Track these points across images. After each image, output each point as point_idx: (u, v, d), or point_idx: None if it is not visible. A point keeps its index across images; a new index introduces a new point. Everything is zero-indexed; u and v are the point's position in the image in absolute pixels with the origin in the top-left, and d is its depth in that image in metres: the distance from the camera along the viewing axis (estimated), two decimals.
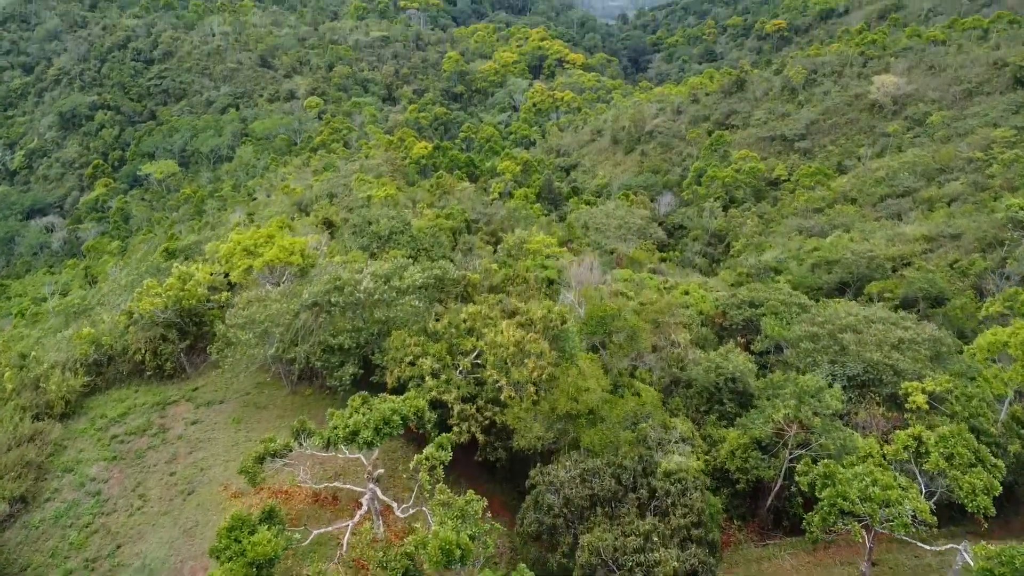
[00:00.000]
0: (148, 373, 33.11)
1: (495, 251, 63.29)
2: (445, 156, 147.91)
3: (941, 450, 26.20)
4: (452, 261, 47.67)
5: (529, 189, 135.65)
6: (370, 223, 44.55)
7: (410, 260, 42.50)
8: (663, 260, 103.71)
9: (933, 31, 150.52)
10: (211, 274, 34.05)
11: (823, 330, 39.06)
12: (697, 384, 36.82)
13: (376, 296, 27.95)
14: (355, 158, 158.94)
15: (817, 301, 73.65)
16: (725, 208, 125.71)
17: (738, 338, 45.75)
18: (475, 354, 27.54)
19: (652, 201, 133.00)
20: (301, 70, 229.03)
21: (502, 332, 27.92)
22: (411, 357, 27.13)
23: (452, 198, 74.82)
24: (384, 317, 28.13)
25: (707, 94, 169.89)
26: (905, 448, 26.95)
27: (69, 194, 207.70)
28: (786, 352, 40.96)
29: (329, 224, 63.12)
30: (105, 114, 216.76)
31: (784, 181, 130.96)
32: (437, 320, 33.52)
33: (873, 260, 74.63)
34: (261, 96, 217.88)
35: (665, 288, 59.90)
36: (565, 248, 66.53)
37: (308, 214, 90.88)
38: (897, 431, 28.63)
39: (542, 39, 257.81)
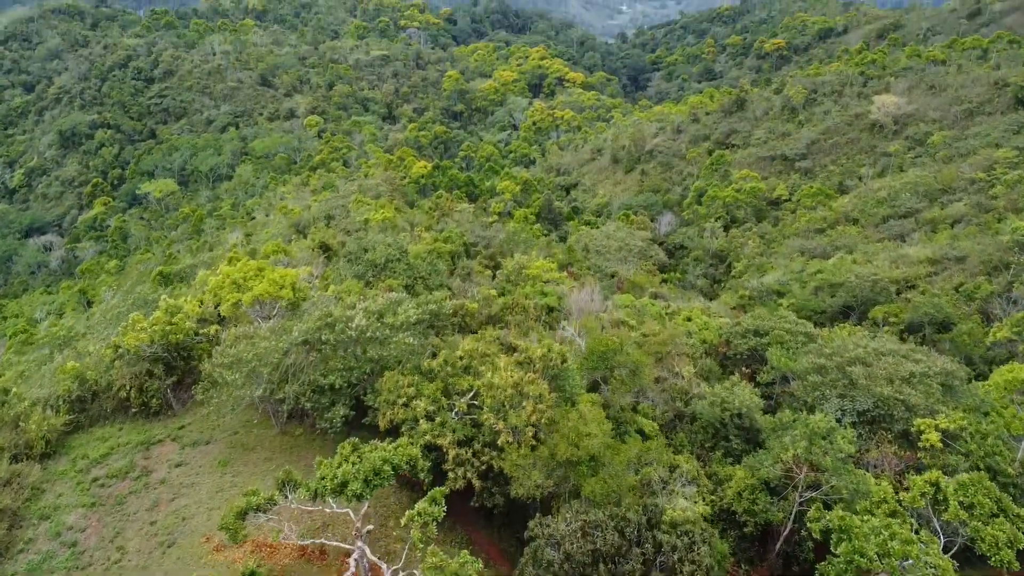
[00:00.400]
0: (133, 410, 31.92)
1: (494, 276, 62.29)
2: (444, 175, 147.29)
3: (960, 499, 25.01)
4: (450, 288, 46.63)
5: (529, 209, 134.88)
6: (366, 250, 43.53)
7: (406, 289, 41.45)
8: (664, 281, 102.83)
9: (933, 51, 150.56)
10: (200, 304, 32.96)
11: (831, 362, 37.91)
12: (702, 419, 35.62)
13: (369, 334, 26.88)
14: (354, 177, 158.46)
15: (822, 326, 72.86)
16: (726, 228, 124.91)
17: (743, 368, 44.57)
18: (472, 394, 26.42)
19: (652, 221, 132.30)
20: (301, 89, 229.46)
21: (500, 371, 26.82)
22: (404, 399, 26.00)
23: (451, 221, 73.91)
24: (377, 356, 27.01)
25: (707, 113, 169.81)
26: (922, 495, 25.75)
27: (68, 212, 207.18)
28: (793, 384, 39.78)
29: (326, 248, 62.16)
30: (105, 133, 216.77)
31: (785, 201, 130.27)
32: (433, 355, 32.40)
33: (877, 284, 73.59)
34: (261, 115, 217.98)
35: (667, 313, 58.83)
36: (565, 272, 65.49)
37: (306, 236, 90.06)
38: (913, 477, 27.42)
39: (542, 58, 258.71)
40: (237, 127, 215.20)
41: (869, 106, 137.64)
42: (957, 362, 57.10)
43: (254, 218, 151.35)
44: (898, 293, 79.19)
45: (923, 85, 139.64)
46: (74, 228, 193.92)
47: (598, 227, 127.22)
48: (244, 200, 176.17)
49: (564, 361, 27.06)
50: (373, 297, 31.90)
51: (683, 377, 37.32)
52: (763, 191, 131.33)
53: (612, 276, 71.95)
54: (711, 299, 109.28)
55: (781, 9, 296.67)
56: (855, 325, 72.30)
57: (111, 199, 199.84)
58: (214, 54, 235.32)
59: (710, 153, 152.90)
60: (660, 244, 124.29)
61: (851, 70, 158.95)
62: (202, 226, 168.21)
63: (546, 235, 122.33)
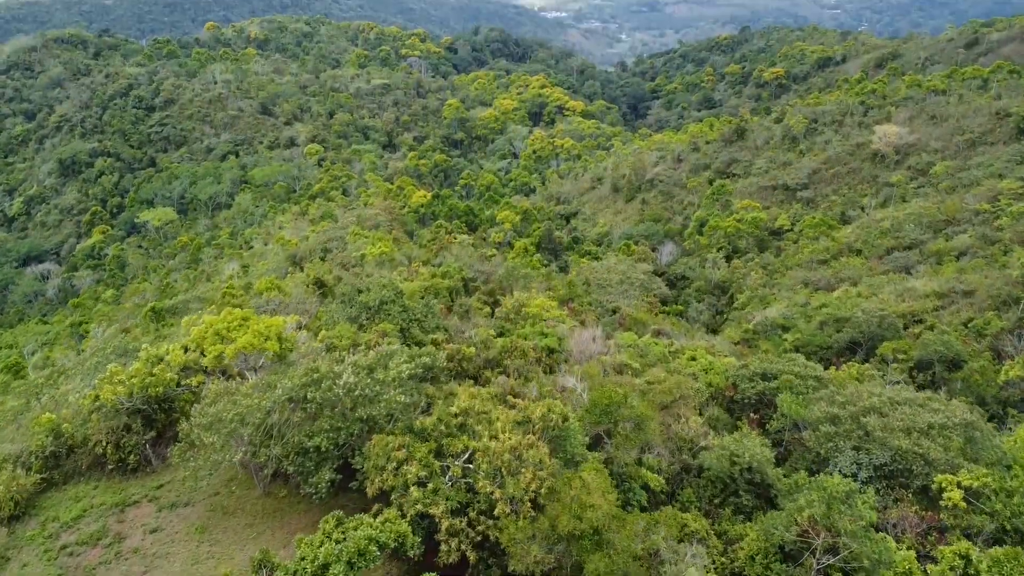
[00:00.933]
0: (110, 467, 30.24)
1: (493, 313, 60.83)
2: (444, 205, 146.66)
3: None
4: (447, 330, 45.07)
5: (529, 239, 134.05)
6: (360, 292, 42.09)
7: (401, 333, 39.92)
8: (666, 312, 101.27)
9: (933, 81, 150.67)
10: (185, 351, 31.43)
11: (844, 412, 36.23)
12: (710, 473, 33.86)
13: (358, 392, 25.33)
14: (354, 206, 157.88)
15: (828, 362, 71.21)
16: (728, 258, 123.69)
17: (751, 414, 42.86)
18: (467, 455, 24.83)
19: (653, 251, 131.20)
20: (302, 117, 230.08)
21: (497, 429, 25.15)
22: (395, 463, 24.37)
23: (449, 254, 72.61)
24: (366, 415, 25.44)
25: (707, 142, 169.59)
26: (951, 568, 24.03)
27: (66, 241, 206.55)
28: (804, 433, 38.07)
29: (321, 284, 60.77)
30: (105, 161, 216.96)
31: (787, 231, 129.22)
32: (428, 406, 30.77)
33: (884, 319, 72.05)
34: (261, 143, 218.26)
35: (670, 352, 57.35)
36: (566, 308, 63.99)
37: (302, 268, 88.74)
38: (942, 548, 25.69)
39: (542, 86, 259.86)
40: (237, 155, 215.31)
41: (870, 136, 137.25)
42: (972, 404, 55.50)
43: (252, 247, 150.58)
44: (905, 327, 77.61)
45: (924, 115, 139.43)
46: (72, 256, 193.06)
47: (599, 258, 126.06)
48: (243, 229, 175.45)
49: (565, 420, 25.48)
50: (364, 349, 30.35)
51: (690, 427, 35.63)
52: (765, 221, 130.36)
53: (614, 312, 70.47)
54: (714, 331, 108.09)
55: (779, 38, 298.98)
56: (862, 362, 70.77)
57: (110, 227, 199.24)
58: (215, 83, 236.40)
59: (711, 182, 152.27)
60: (661, 275, 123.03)
61: (851, 99, 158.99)
62: (200, 255, 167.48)
63: (546, 265, 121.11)
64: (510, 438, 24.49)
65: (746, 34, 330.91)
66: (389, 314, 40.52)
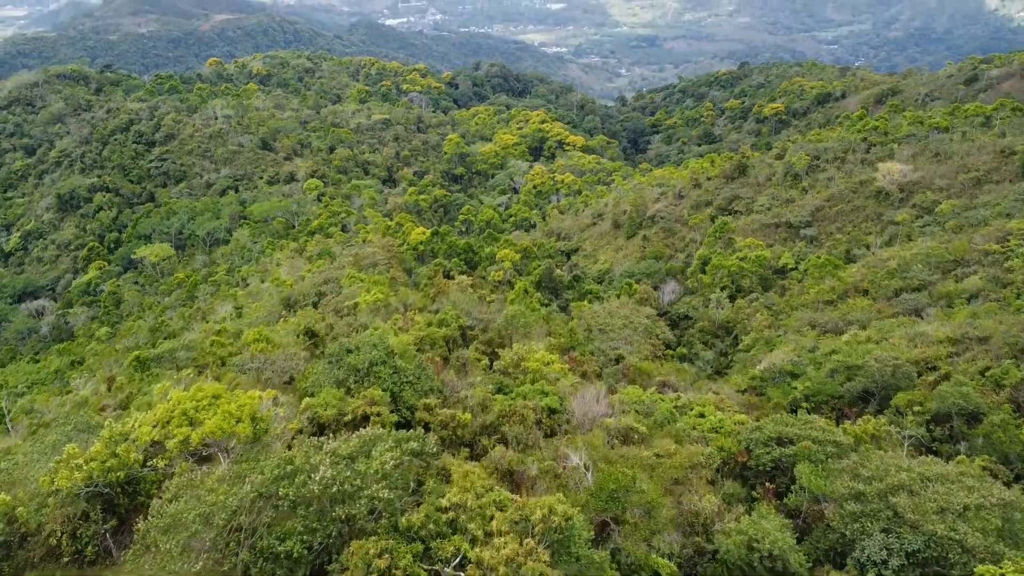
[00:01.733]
0: (65, 559, 27.46)
1: (491, 364, 58.27)
2: (443, 242, 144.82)
3: None
4: (441, 392, 42.46)
5: (529, 277, 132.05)
6: (349, 351, 39.60)
7: (392, 398, 37.34)
8: (670, 355, 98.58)
9: (936, 118, 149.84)
10: (155, 427, 28.82)
11: (871, 488, 33.46)
12: (727, 558, 31.03)
13: (335, 488, 22.72)
14: (352, 242, 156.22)
15: (841, 413, 68.45)
16: (731, 298, 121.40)
17: (766, 484, 40.01)
18: (458, 559, 22.16)
19: (655, 289, 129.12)
20: (302, 152, 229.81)
21: (493, 528, 22.54)
22: (376, 574, 21.68)
23: (446, 300, 70.25)
24: (345, 515, 22.80)
25: (708, 178, 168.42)
26: None
27: (63, 276, 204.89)
28: (827, 509, 35.23)
29: (312, 335, 58.31)
30: (104, 196, 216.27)
31: (791, 269, 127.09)
32: (418, 487, 28.08)
33: (898, 369, 69.34)
34: (261, 178, 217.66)
35: (677, 406, 54.74)
36: (567, 359, 61.41)
37: (295, 312, 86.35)
38: None
39: (542, 121, 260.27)
40: (236, 190, 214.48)
41: (873, 173, 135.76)
42: (995, 462, 52.64)
43: (249, 284, 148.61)
44: (919, 375, 74.87)
45: (927, 152, 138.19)
46: (67, 293, 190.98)
47: (600, 295, 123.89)
48: (240, 265, 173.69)
49: (569, 519, 22.90)
50: (345, 435, 27.71)
51: (704, 505, 32.84)
52: (768, 259, 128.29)
53: (617, 361, 67.90)
54: (719, 372, 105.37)
55: (778, 74, 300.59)
56: (876, 413, 67.98)
57: (106, 263, 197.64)
58: (216, 118, 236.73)
59: (713, 219, 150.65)
60: (664, 314, 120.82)
61: (853, 136, 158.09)
62: (196, 292, 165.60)
63: (546, 305, 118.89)
64: (506, 544, 21.87)
65: (745, 70, 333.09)
66: (379, 377, 37.95)
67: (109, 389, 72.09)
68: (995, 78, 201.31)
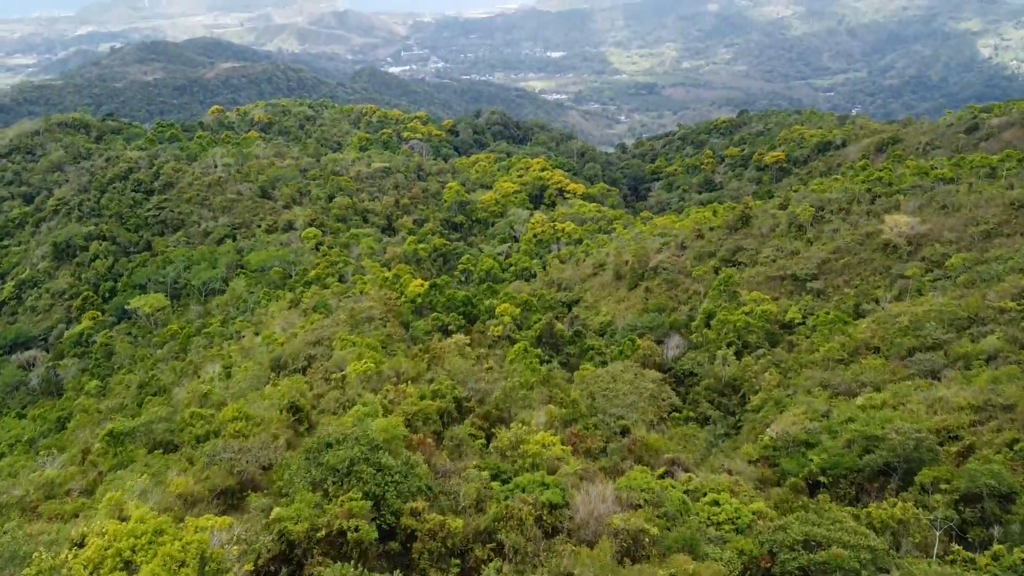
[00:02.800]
0: None
1: (488, 443, 54.58)
2: (442, 295, 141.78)
3: None
4: (431, 490, 38.69)
5: (530, 331, 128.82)
6: (329, 445, 36.05)
7: (375, 503, 33.66)
8: (677, 419, 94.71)
9: (940, 169, 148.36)
10: (85, 567, 24.89)
11: None
12: None
13: None
14: (349, 294, 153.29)
15: (861, 492, 64.41)
16: (738, 354, 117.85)
17: None
18: None
19: (659, 344, 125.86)
20: (301, 201, 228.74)
21: None
22: None
23: (442, 368, 66.80)
24: None
25: (711, 229, 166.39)
26: None
27: (55, 327, 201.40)
28: None
29: (296, 410, 54.73)
30: (100, 244, 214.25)
31: (799, 324, 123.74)
32: None
33: (922, 442, 65.40)
34: (259, 227, 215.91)
35: (688, 490, 51.06)
36: (569, 435, 57.70)
37: (284, 375, 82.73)
38: None
39: (543, 169, 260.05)
40: (234, 239, 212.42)
41: (879, 225, 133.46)
42: None
43: (243, 337, 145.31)
44: (940, 444, 70.92)
45: (934, 204, 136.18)
46: (59, 343, 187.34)
47: (602, 351, 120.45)
48: (235, 316, 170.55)
49: None
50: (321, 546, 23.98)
51: None
52: (774, 314, 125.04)
53: (622, 433, 64.11)
54: (726, 434, 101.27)
55: (777, 122, 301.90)
56: (899, 490, 63.96)
57: (100, 313, 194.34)
58: (216, 166, 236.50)
59: (716, 271, 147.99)
60: (668, 370, 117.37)
61: (856, 187, 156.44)
62: (189, 344, 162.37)
63: (547, 361, 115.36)
64: None
65: (744, 117, 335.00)
66: (360, 477, 34.26)
67: (83, 461, 68.25)
68: (995, 127, 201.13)
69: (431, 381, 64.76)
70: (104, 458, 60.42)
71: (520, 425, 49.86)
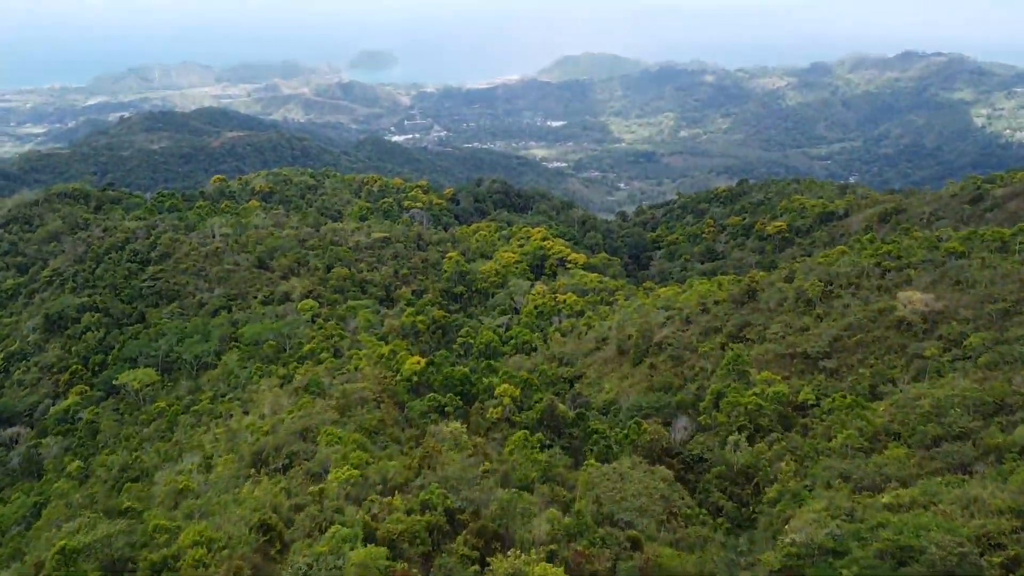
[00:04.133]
0: None
1: (483, 568, 48.68)
2: (439, 373, 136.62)
3: None
4: None
5: (531, 412, 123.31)
6: (310, 566, 30.68)
7: None
8: (691, 517, 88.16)
9: (948, 241, 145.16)
10: None
11: None
12: None
13: None
14: (344, 369, 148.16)
15: None
16: (750, 438, 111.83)
17: None
18: None
19: (666, 426, 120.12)
20: (299, 271, 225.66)
21: None
22: None
23: (433, 474, 61.20)
24: None
25: (716, 303, 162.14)
26: None
27: (42, 401, 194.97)
28: None
29: (267, 530, 49.08)
30: (93, 316, 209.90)
31: (812, 406, 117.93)
32: None
33: (965, 557, 59.33)
34: (255, 298, 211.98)
35: None
36: (572, 553, 51.85)
37: (263, 471, 76.91)
38: None
39: (543, 238, 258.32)
40: (229, 310, 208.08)
41: (892, 301, 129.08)
42: None
43: (231, 416, 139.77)
44: (981, 554, 64.64)
45: (947, 279, 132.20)
46: (42, 420, 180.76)
47: (607, 436, 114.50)
48: (227, 392, 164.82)
49: None
50: None
51: None
52: (787, 395, 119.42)
53: (632, 547, 58.05)
54: (740, 525, 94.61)
55: (777, 191, 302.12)
56: None
57: (88, 387, 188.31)
58: (214, 236, 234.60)
59: (723, 347, 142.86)
60: (676, 455, 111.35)
61: (865, 260, 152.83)
62: (176, 422, 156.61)
63: (548, 446, 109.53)
64: None
65: (744, 187, 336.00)
66: None
67: None
68: (1000, 197, 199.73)
69: (421, 488, 59.13)
70: None
71: (518, 555, 44.15)
